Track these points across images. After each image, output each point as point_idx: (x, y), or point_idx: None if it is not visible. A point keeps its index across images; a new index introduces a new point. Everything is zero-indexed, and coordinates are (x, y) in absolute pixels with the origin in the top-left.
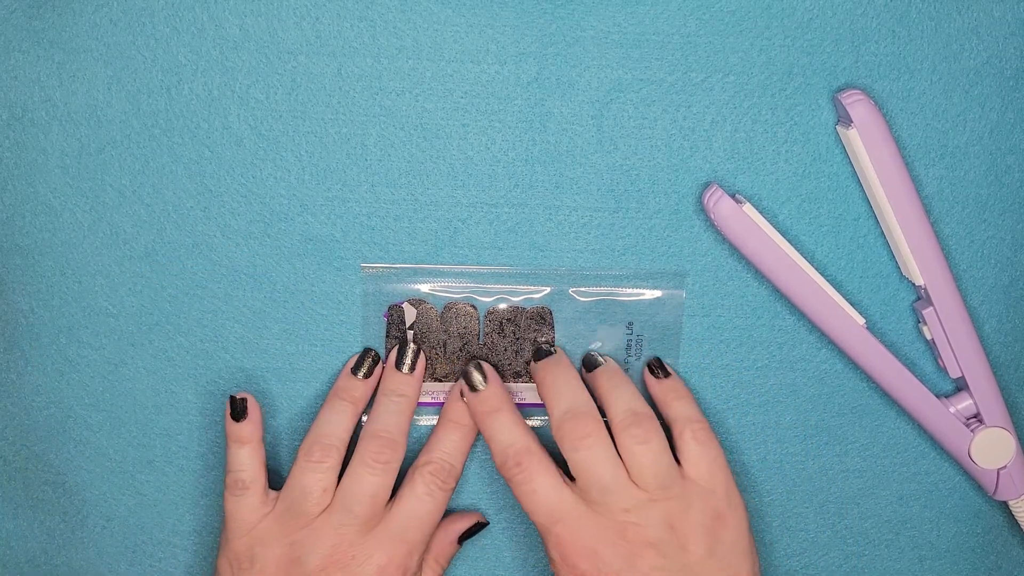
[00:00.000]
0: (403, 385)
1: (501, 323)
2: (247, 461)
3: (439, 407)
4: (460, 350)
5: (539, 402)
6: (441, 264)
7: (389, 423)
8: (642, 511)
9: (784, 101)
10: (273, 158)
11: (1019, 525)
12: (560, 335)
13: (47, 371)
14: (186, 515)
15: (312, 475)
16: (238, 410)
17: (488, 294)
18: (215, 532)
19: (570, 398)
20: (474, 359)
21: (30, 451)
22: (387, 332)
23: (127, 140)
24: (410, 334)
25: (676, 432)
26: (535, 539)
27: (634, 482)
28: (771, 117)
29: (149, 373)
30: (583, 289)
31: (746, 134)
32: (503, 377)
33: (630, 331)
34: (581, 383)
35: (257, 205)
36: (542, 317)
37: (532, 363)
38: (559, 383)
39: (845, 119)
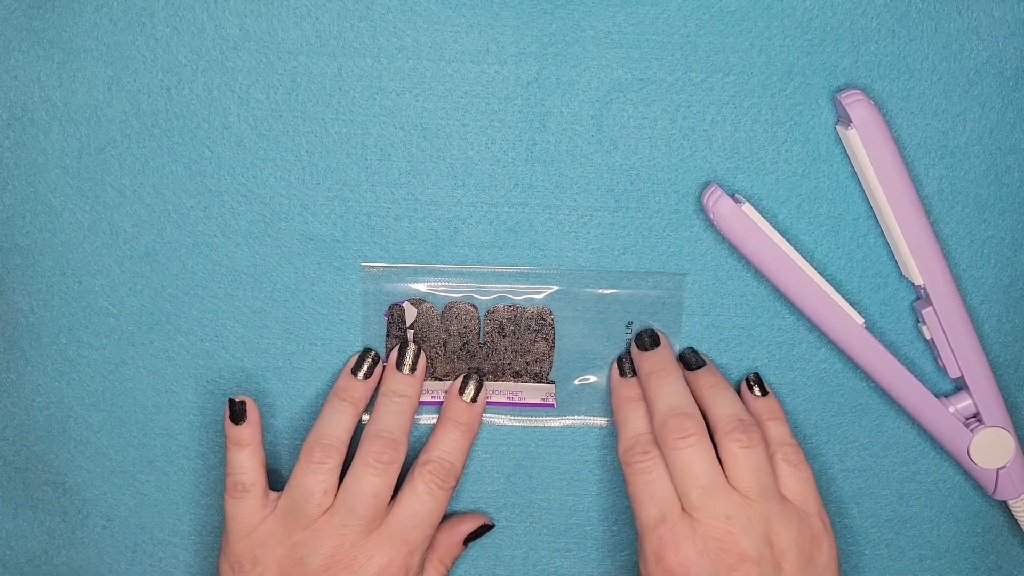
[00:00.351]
0: (404, 385)
1: (501, 323)
2: (247, 464)
3: (439, 406)
4: (460, 349)
5: (538, 402)
6: (442, 263)
7: (391, 423)
8: (743, 518)
9: (784, 101)
10: (273, 158)
11: (1019, 525)
12: (559, 335)
13: (47, 371)
14: (186, 515)
15: (314, 476)
16: (237, 413)
17: (488, 293)
18: (215, 532)
19: (677, 396)
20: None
21: (30, 451)
22: (387, 331)
23: (127, 140)
24: (410, 333)
25: (768, 453)
26: (535, 539)
27: (733, 487)
28: (771, 117)
29: (149, 373)
30: (583, 288)
31: (746, 134)
32: (502, 377)
33: (629, 331)
34: (686, 383)
35: (257, 205)
36: (542, 317)
37: (635, 350)
38: (667, 378)
39: (845, 119)
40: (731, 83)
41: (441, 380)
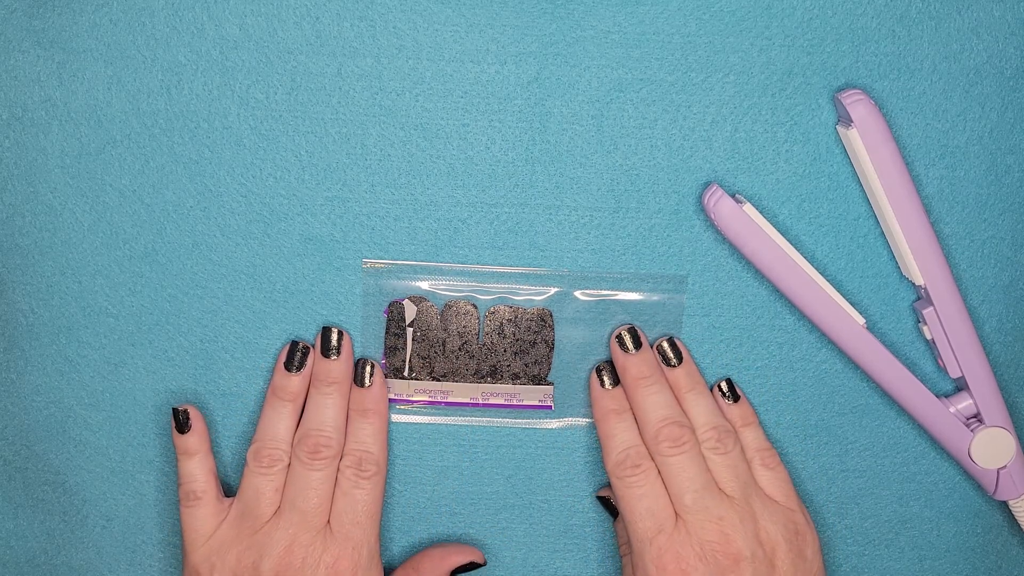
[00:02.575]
0: (333, 373)
1: (501, 324)
2: (196, 472)
3: (438, 406)
4: (459, 349)
5: (536, 404)
6: (442, 262)
7: (320, 419)
8: (735, 518)
9: (784, 101)
10: (273, 158)
11: (1019, 525)
12: (560, 336)
13: (47, 371)
14: None
15: (262, 478)
16: (181, 422)
17: (488, 293)
18: None
19: (667, 406)
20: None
21: (30, 451)
22: (387, 328)
23: (127, 140)
24: (409, 331)
25: (746, 457)
26: (535, 540)
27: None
28: (771, 117)
29: (149, 373)
30: (583, 290)
31: (746, 134)
32: (500, 379)
33: None
34: (670, 387)
35: (257, 205)
36: (543, 319)
37: (617, 350)
38: (655, 387)
39: (845, 119)
40: (731, 83)
41: (439, 380)
